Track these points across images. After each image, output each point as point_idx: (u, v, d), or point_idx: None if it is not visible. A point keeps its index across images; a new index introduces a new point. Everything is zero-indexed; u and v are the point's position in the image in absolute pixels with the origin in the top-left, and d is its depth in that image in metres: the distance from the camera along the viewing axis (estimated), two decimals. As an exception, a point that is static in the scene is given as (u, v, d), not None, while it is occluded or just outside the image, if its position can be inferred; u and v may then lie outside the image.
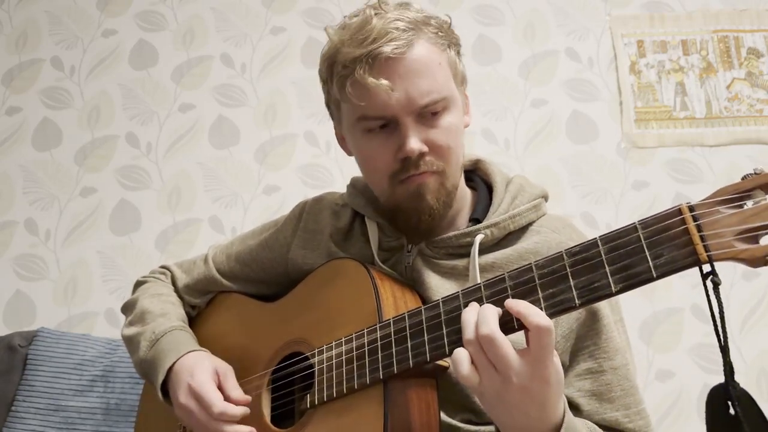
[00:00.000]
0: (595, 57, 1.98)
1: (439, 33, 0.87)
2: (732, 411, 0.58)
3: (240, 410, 0.88)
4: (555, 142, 1.91)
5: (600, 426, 0.84)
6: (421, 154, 0.84)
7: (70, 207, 1.92)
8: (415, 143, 0.83)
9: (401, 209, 0.89)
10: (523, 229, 0.93)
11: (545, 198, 0.97)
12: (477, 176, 1.02)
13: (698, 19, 1.98)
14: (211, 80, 2.04)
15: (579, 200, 1.86)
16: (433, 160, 0.86)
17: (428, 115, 0.85)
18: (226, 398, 0.89)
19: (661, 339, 1.72)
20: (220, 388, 0.91)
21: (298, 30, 2.07)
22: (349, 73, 0.84)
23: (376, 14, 0.84)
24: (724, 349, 0.59)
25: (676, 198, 1.84)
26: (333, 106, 0.94)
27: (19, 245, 1.89)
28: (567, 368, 0.87)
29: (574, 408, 0.85)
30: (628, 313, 1.71)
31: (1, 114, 2.04)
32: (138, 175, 1.95)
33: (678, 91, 1.92)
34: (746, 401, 0.58)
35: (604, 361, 0.86)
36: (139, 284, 1.16)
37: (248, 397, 0.91)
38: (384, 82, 0.81)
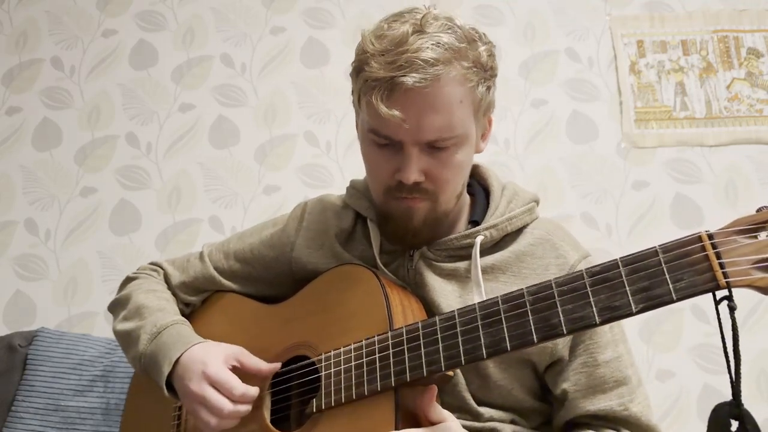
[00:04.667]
0: (595, 57, 1.98)
1: (473, 68, 0.84)
2: (733, 428, 0.61)
3: (258, 391, 0.89)
4: (555, 142, 1.91)
5: (597, 416, 0.87)
6: (417, 183, 0.86)
7: (70, 207, 1.92)
8: (412, 173, 0.85)
9: (391, 220, 0.92)
10: (518, 232, 0.95)
11: (537, 202, 1.00)
12: (474, 180, 1.04)
13: (698, 19, 1.98)
14: (211, 80, 2.04)
15: (579, 200, 1.86)
16: (428, 188, 0.87)
17: (435, 147, 0.85)
18: (257, 374, 0.91)
19: (661, 339, 1.72)
20: (240, 369, 0.92)
21: (298, 30, 2.07)
22: (368, 91, 0.83)
23: (414, 33, 0.82)
24: (737, 373, 0.63)
25: (676, 198, 1.84)
26: (355, 98, 0.92)
27: (19, 245, 1.89)
28: (567, 362, 0.90)
29: (570, 400, 0.89)
30: (628, 313, 1.72)
31: (1, 114, 2.04)
32: (138, 175, 1.95)
33: (678, 91, 1.92)
34: (750, 422, 0.61)
35: (598, 354, 0.89)
36: (129, 280, 1.14)
37: (277, 364, 0.92)
38: (396, 113, 0.81)
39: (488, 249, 0.93)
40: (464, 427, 0.83)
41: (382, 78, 0.81)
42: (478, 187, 1.02)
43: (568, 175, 1.88)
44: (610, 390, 0.88)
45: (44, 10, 2.15)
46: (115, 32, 2.11)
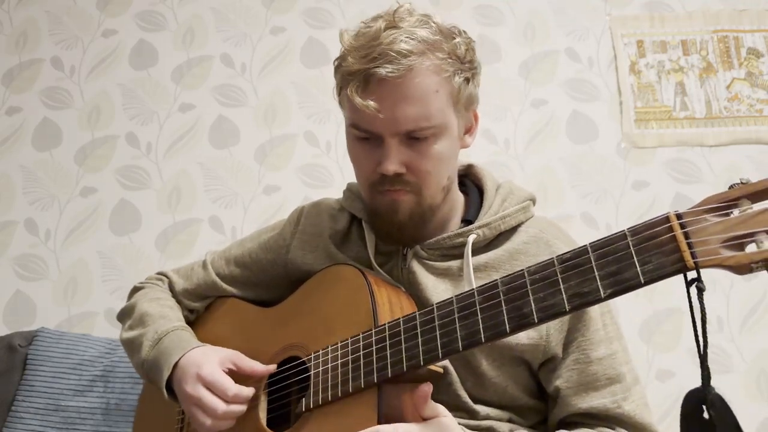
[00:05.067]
0: (595, 57, 1.98)
1: (448, 59, 0.86)
2: (706, 415, 0.61)
3: (252, 391, 0.90)
4: (555, 142, 1.91)
5: (589, 414, 0.87)
6: (398, 174, 0.87)
7: (70, 207, 1.92)
8: (391, 165, 0.86)
9: (377, 215, 0.93)
10: (512, 230, 0.95)
11: (533, 201, 1.00)
12: (469, 180, 1.04)
13: (698, 19, 1.98)
14: (211, 80, 2.04)
15: (579, 200, 1.86)
16: (410, 181, 0.88)
17: (414, 138, 0.86)
18: (252, 375, 0.92)
19: (661, 339, 1.72)
20: (237, 372, 0.93)
21: (298, 30, 2.08)
22: (345, 85, 0.86)
23: (387, 28, 0.84)
24: (704, 356, 0.63)
25: (676, 198, 1.84)
26: (338, 101, 0.96)
27: (19, 245, 1.89)
28: (560, 360, 0.90)
29: (563, 397, 0.89)
30: (628, 313, 1.72)
31: (1, 114, 2.04)
32: (138, 175, 1.95)
33: (678, 91, 1.92)
34: (720, 405, 0.60)
35: (591, 351, 0.89)
36: (135, 290, 1.17)
37: (272, 366, 0.93)
38: (371, 103, 0.83)
39: (482, 247, 0.94)
40: (461, 425, 0.83)
41: (357, 71, 0.84)
42: (473, 186, 1.03)
43: (568, 175, 1.88)
44: (602, 387, 0.87)
45: (44, 10, 2.15)
46: (115, 32, 2.11)
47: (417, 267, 0.93)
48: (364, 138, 0.88)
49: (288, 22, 2.08)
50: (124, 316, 1.12)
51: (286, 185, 1.92)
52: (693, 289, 0.62)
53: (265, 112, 2.00)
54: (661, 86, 1.93)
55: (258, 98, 2.02)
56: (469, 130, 0.96)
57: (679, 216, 0.63)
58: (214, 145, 1.97)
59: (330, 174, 1.93)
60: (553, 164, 1.89)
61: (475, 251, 0.92)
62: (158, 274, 1.19)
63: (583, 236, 1.52)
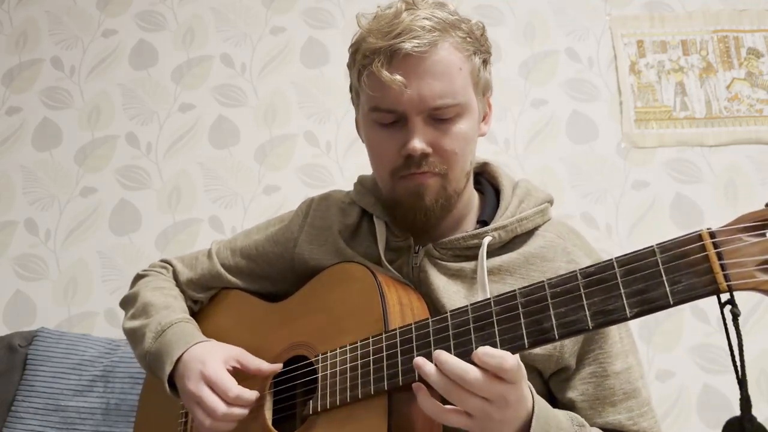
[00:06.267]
0: (595, 57, 1.98)
1: (468, 39, 0.87)
2: None
3: (255, 395, 0.88)
4: (555, 142, 1.91)
5: (604, 429, 0.84)
6: (425, 155, 0.84)
7: (70, 207, 1.92)
8: (418, 143, 0.83)
9: (400, 204, 0.90)
10: (529, 233, 0.93)
11: (551, 203, 0.98)
12: (484, 179, 1.02)
13: (698, 19, 1.98)
14: (211, 80, 2.04)
15: (579, 200, 1.85)
16: (436, 162, 0.86)
17: (439, 118, 0.85)
18: (258, 374, 0.91)
19: (661, 339, 1.72)
20: (241, 370, 0.91)
21: (298, 30, 2.08)
22: (368, 63, 0.84)
23: (407, 9, 0.84)
24: (742, 382, 0.59)
25: (676, 198, 1.84)
26: (354, 92, 0.94)
27: (19, 245, 1.89)
28: (573, 371, 0.87)
29: (578, 410, 0.86)
30: (628, 313, 1.72)
31: (1, 114, 2.04)
32: (138, 175, 1.95)
33: (678, 91, 1.92)
34: None
35: (608, 365, 0.86)
36: (139, 278, 1.15)
37: (278, 365, 0.91)
38: (398, 78, 0.81)
39: (496, 249, 0.91)
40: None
41: (382, 47, 0.82)
42: (488, 185, 1.00)
43: (568, 175, 1.88)
44: (619, 403, 0.85)
45: (44, 10, 2.15)
46: (115, 32, 2.11)
47: (428, 266, 0.91)
48: (386, 124, 0.86)
49: (288, 22, 2.09)
50: (126, 304, 1.10)
51: (286, 185, 1.92)
52: (727, 313, 0.59)
53: (265, 112, 2.00)
54: (661, 86, 1.93)
55: (258, 98, 2.02)
56: (484, 118, 0.95)
57: (712, 234, 0.60)
58: (214, 145, 1.97)
59: (330, 174, 1.93)
60: (553, 164, 1.89)
61: (490, 253, 0.90)
62: (162, 261, 1.17)
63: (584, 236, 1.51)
